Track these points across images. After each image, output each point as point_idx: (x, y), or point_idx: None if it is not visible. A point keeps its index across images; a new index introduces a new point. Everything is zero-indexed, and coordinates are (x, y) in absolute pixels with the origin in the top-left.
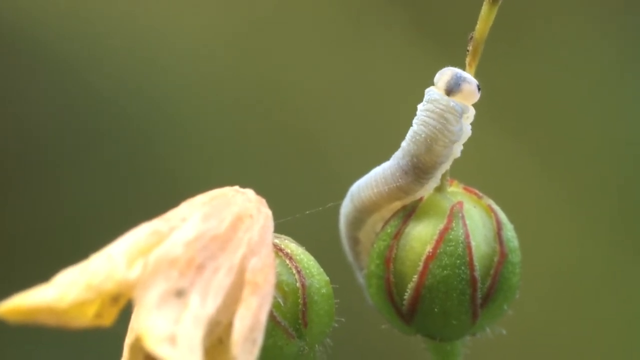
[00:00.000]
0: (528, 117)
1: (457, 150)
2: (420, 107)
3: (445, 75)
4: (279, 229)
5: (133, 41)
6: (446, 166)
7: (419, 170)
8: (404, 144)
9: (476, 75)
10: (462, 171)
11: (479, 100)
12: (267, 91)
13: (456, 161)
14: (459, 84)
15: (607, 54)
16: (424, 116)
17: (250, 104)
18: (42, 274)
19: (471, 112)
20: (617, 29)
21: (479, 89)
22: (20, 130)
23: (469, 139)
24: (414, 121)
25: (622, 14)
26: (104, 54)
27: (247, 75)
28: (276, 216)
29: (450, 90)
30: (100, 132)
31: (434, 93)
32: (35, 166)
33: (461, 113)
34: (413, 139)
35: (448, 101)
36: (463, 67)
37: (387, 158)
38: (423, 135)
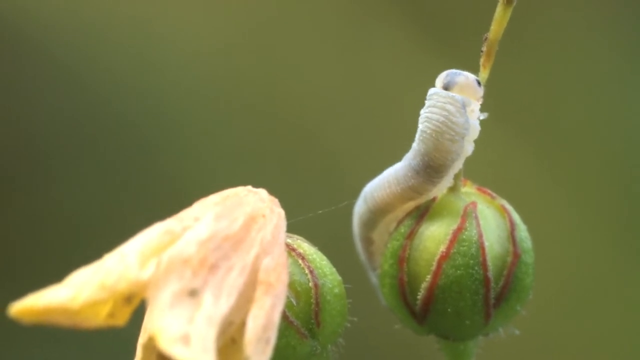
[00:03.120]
0: (534, 119)
1: (467, 147)
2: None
3: (441, 75)
4: (292, 228)
5: (135, 43)
6: (458, 165)
7: (430, 169)
8: (414, 144)
9: (491, 77)
10: (477, 174)
11: (485, 102)
12: (276, 92)
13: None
14: (455, 78)
15: (613, 56)
16: (427, 112)
17: (260, 105)
18: (41, 279)
19: (475, 106)
20: (623, 31)
21: (478, 83)
22: (20, 132)
23: (475, 141)
24: (419, 121)
25: (628, 16)
26: (104, 56)
27: (256, 76)
28: (289, 216)
29: (447, 85)
30: (103, 134)
31: (433, 90)
32: (35, 168)
33: (463, 104)
34: (420, 138)
35: (447, 93)
36: (468, 66)
37: (397, 156)
38: (428, 132)
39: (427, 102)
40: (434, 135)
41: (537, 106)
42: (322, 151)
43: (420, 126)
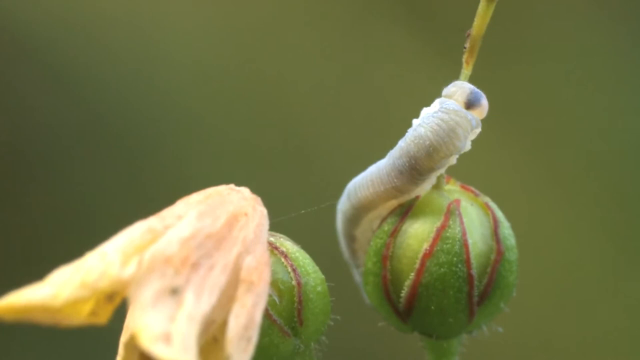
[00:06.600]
0: (526, 118)
1: (453, 159)
2: (430, 111)
3: (464, 88)
4: (275, 227)
5: (135, 43)
6: (442, 171)
7: (415, 171)
8: (402, 143)
9: (474, 76)
10: (460, 171)
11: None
12: (262, 90)
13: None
14: (479, 99)
15: (608, 55)
16: (435, 124)
17: (246, 103)
18: (37, 273)
19: (478, 130)
20: (621, 30)
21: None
22: (19, 132)
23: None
24: (421, 123)
25: (623, 16)
26: (104, 57)
27: (242, 74)
28: (272, 215)
29: (471, 105)
30: (103, 134)
31: (452, 104)
32: (35, 168)
33: (472, 128)
34: (415, 141)
35: (466, 114)
36: (461, 65)
37: (383, 157)
38: (427, 142)
39: (439, 113)
40: (431, 148)
41: (533, 106)
42: (310, 150)
43: (421, 130)
